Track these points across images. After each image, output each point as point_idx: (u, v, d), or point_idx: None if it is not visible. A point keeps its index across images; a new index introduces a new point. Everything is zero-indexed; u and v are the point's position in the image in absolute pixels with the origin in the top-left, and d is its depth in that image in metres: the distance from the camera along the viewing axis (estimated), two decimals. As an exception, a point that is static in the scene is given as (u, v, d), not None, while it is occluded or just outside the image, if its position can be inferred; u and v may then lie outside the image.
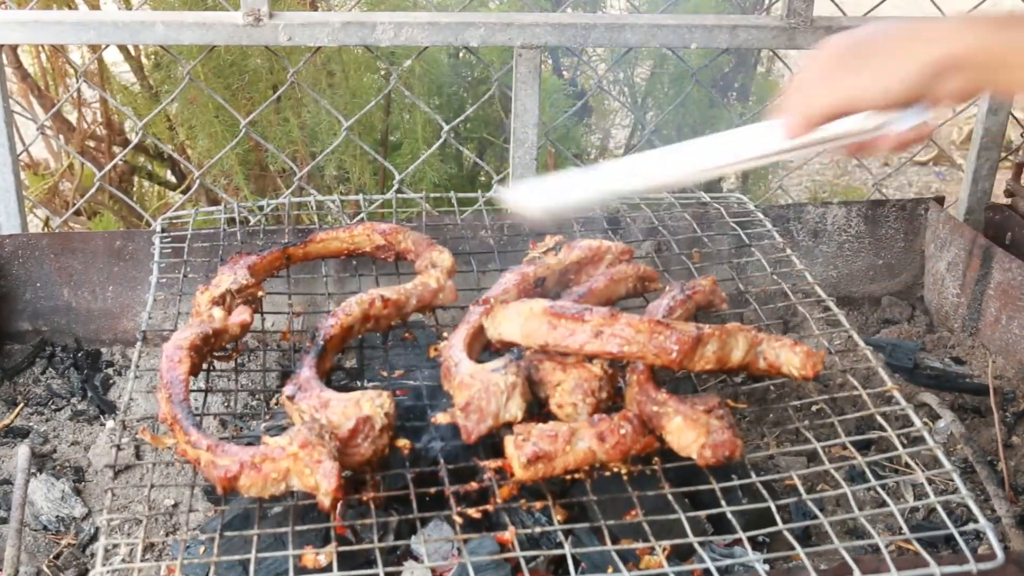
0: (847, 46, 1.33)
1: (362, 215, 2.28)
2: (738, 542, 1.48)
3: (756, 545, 1.58)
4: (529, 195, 1.53)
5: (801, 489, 1.51)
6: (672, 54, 2.74)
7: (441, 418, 1.53)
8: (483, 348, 1.73)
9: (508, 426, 1.52)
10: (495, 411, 1.52)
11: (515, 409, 1.52)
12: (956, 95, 1.28)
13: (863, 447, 1.90)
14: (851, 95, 1.31)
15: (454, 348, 1.63)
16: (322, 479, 1.37)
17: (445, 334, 1.72)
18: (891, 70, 1.28)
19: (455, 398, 1.56)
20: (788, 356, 1.59)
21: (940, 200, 2.50)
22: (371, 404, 1.48)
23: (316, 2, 2.87)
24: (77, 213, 2.99)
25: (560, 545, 1.49)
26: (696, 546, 1.40)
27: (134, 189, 3.34)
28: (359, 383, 1.78)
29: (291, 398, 1.54)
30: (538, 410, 1.63)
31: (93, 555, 1.69)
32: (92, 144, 3.20)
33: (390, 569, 1.36)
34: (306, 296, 2.06)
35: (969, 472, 1.84)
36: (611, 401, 1.59)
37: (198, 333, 1.61)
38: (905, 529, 1.45)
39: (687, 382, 1.85)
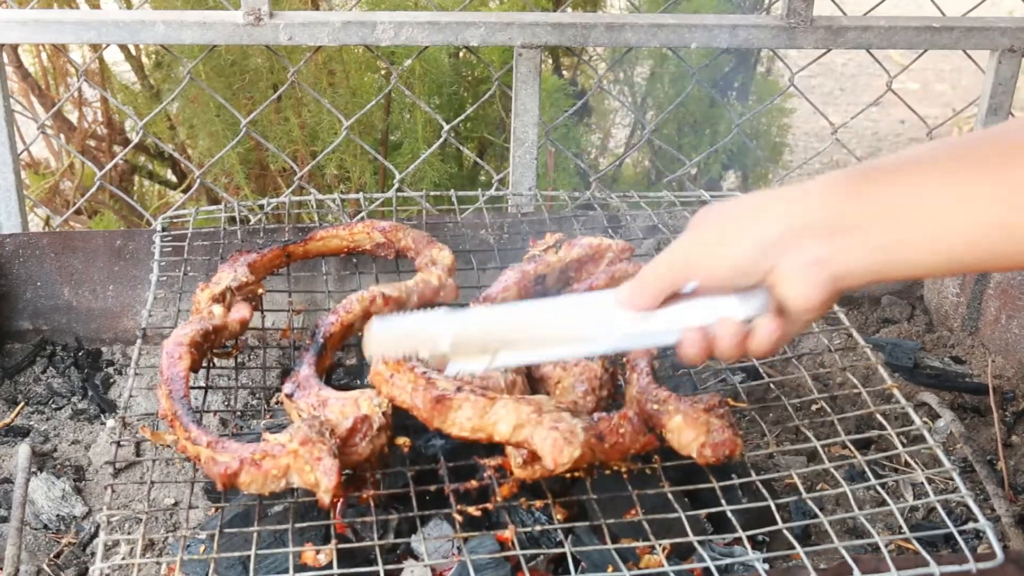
0: (704, 218, 1.18)
1: (362, 214, 2.28)
2: (738, 541, 1.48)
3: (756, 544, 1.58)
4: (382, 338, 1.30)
5: (801, 488, 1.51)
6: (672, 54, 2.74)
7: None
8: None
9: None
10: None
11: None
12: (803, 278, 1.07)
13: (863, 446, 1.91)
14: (688, 265, 1.15)
15: None
16: (322, 476, 1.37)
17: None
18: (729, 241, 1.12)
19: None
20: (541, 440, 1.38)
21: (940, 200, 2.49)
22: (369, 403, 1.48)
23: (318, 1, 2.87)
24: (78, 212, 2.99)
25: (560, 544, 1.49)
26: (696, 545, 1.40)
27: (135, 188, 3.34)
28: (359, 381, 1.78)
29: (290, 396, 1.55)
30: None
31: (93, 554, 1.69)
32: (93, 143, 3.21)
33: (390, 567, 1.36)
34: (306, 294, 2.06)
35: (969, 471, 1.84)
36: (611, 399, 1.59)
37: (198, 329, 1.61)
38: (905, 528, 1.45)
39: (687, 381, 1.85)
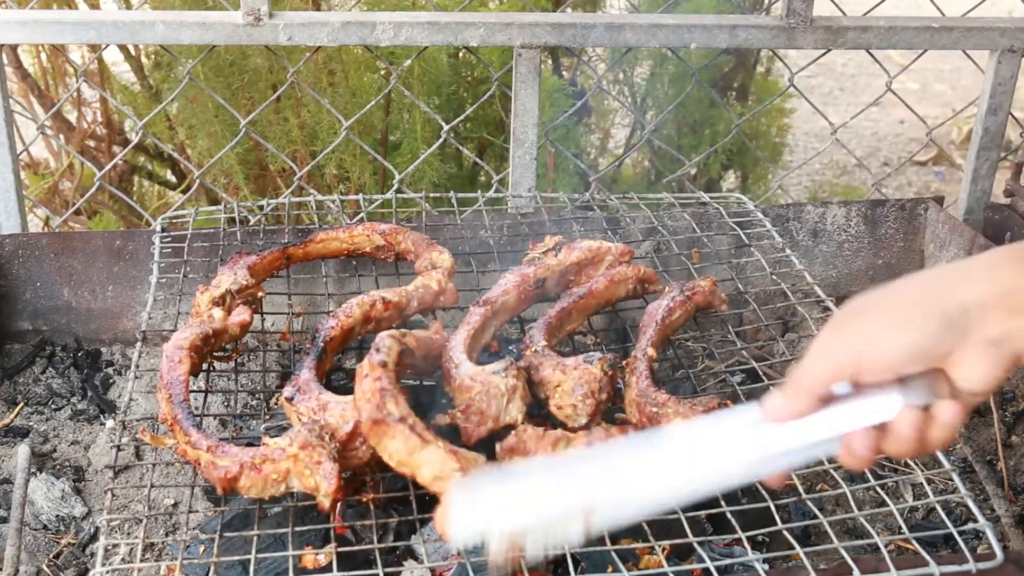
0: (858, 306, 1.06)
1: (362, 215, 2.28)
2: (737, 542, 1.48)
3: (755, 545, 1.58)
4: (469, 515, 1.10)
5: (800, 489, 1.52)
6: (672, 54, 2.74)
7: (441, 420, 1.52)
8: (483, 349, 1.73)
9: (509, 428, 1.52)
10: (495, 414, 1.52)
11: (515, 412, 1.52)
12: (985, 357, 1.00)
13: (862, 447, 1.90)
14: (849, 352, 1.03)
15: (454, 350, 1.63)
16: (322, 480, 1.37)
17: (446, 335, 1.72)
18: (904, 320, 1.01)
19: (455, 400, 1.56)
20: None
21: (940, 200, 2.50)
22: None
23: (319, 1, 2.87)
24: (77, 213, 2.99)
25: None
26: (696, 546, 1.41)
27: (134, 189, 3.34)
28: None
29: (290, 400, 1.55)
30: (538, 411, 1.63)
31: (93, 554, 1.69)
32: (92, 144, 3.21)
33: (390, 569, 1.37)
34: (306, 296, 2.06)
35: (968, 472, 1.84)
36: (611, 402, 1.59)
37: (198, 333, 1.61)
38: (904, 529, 1.45)
39: (687, 383, 1.85)
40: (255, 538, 1.41)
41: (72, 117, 3.21)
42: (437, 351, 1.63)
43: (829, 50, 2.49)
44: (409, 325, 1.84)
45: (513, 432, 1.47)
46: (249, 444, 1.48)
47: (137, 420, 1.90)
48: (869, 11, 2.60)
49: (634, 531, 1.49)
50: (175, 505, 1.82)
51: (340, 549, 1.41)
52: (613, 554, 1.39)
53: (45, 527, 1.76)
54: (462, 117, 2.62)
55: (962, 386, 1.03)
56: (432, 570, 1.50)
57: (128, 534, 1.74)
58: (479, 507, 1.09)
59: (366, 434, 1.43)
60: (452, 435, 1.55)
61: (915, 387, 1.03)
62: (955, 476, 1.48)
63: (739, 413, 1.12)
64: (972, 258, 1.05)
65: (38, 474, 1.83)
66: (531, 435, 1.46)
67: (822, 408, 1.06)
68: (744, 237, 2.11)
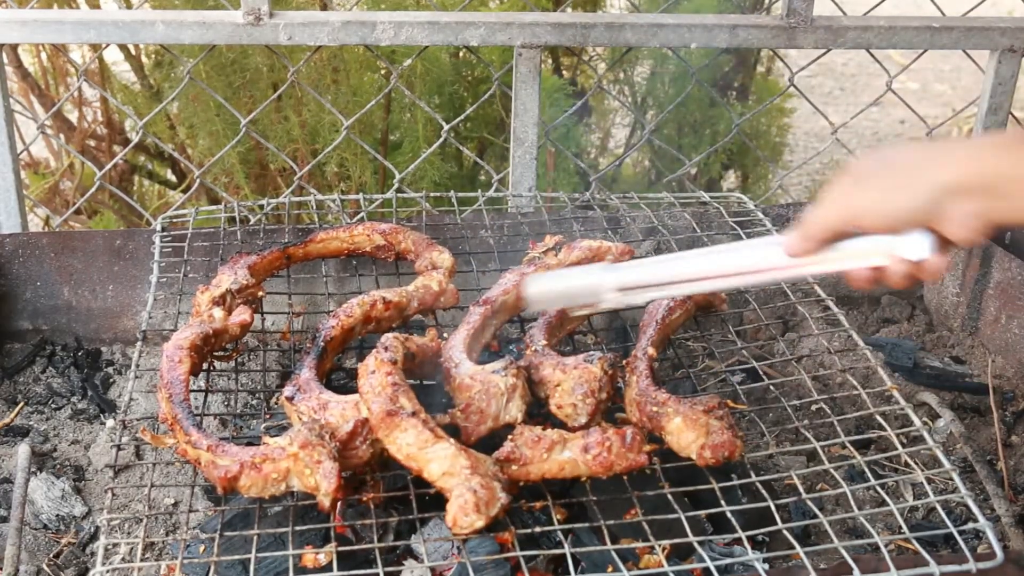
0: (865, 167, 1.28)
1: (362, 214, 2.28)
2: (738, 541, 1.48)
3: (756, 544, 1.58)
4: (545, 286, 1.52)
5: (800, 488, 1.52)
6: (672, 54, 2.74)
7: (441, 419, 1.53)
8: (483, 348, 1.73)
9: (509, 427, 1.52)
10: (495, 413, 1.52)
11: (515, 411, 1.52)
12: (966, 225, 1.21)
13: (862, 446, 1.91)
14: (854, 211, 1.27)
15: (454, 349, 1.63)
16: (322, 479, 1.37)
17: (445, 334, 1.73)
18: (899, 188, 1.23)
19: (455, 399, 1.56)
20: (456, 496, 1.38)
21: (940, 200, 2.49)
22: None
23: (325, 0, 2.87)
24: (77, 212, 2.99)
25: (560, 544, 1.49)
26: (696, 545, 1.41)
27: (134, 188, 3.34)
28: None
29: (290, 399, 1.55)
30: (538, 411, 1.63)
31: (93, 554, 1.69)
32: (92, 143, 3.21)
33: (390, 569, 1.37)
34: (306, 296, 2.06)
35: (968, 471, 1.84)
36: (611, 402, 1.59)
37: (198, 333, 1.61)
38: (904, 528, 1.45)
39: (687, 382, 1.85)
40: (255, 537, 1.41)
41: (72, 117, 3.21)
42: (433, 358, 1.63)
43: (829, 50, 2.49)
44: (409, 325, 1.84)
45: (509, 437, 1.47)
46: (249, 443, 1.48)
47: (137, 419, 1.90)
48: (869, 11, 2.60)
49: (634, 530, 1.49)
50: (175, 504, 1.82)
51: (340, 548, 1.41)
52: (613, 554, 1.39)
53: (45, 526, 1.76)
54: (462, 117, 2.62)
55: (949, 239, 1.25)
56: (432, 569, 1.50)
57: (128, 533, 1.74)
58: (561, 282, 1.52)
59: (376, 427, 1.43)
60: (452, 435, 1.55)
61: (914, 240, 1.26)
62: (955, 476, 1.48)
63: (759, 243, 1.40)
64: (963, 142, 1.26)
65: (38, 473, 1.83)
66: (527, 439, 1.46)
67: (831, 246, 1.30)
68: (744, 237, 2.11)
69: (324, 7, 2.82)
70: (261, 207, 2.19)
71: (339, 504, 1.45)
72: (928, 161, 1.23)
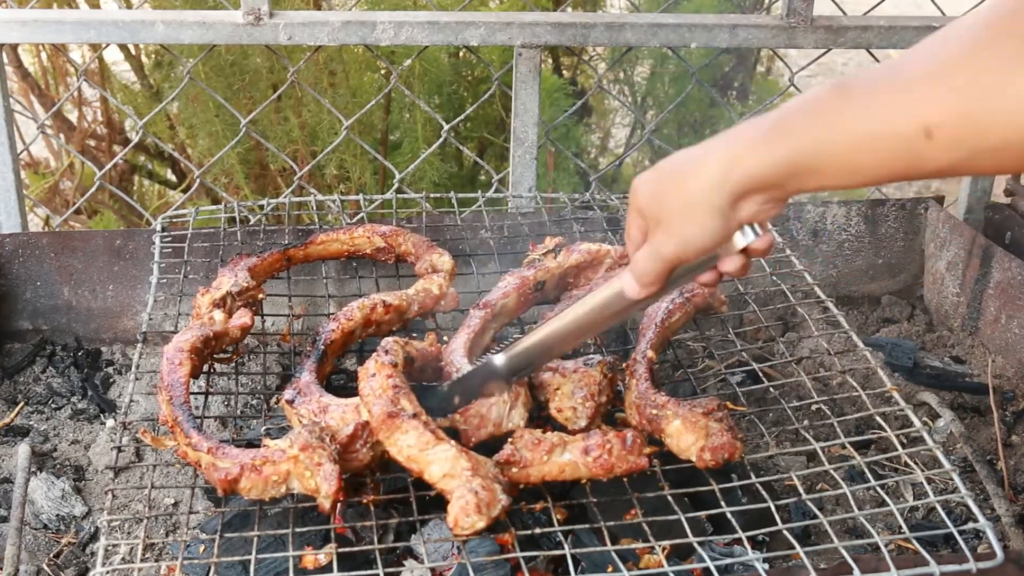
0: (643, 206, 1.27)
1: (362, 214, 2.28)
2: (738, 541, 1.48)
3: (756, 544, 1.58)
4: None
5: (800, 489, 1.52)
6: (672, 53, 2.74)
7: (441, 422, 1.53)
8: (483, 352, 1.73)
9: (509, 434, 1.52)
10: (497, 419, 1.52)
11: (517, 418, 1.53)
12: (764, 213, 1.20)
13: (862, 447, 1.91)
14: (674, 256, 1.25)
15: (454, 353, 1.63)
16: (322, 482, 1.37)
17: (446, 337, 1.73)
18: (691, 227, 1.21)
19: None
20: (457, 497, 1.38)
21: (940, 199, 2.50)
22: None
23: (319, 1, 2.87)
24: (77, 212, 2.99)
25: (560, 545, 1.49)
26: (696, 546, 1.41)
27: (134, 188, 3.34)
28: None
29: (290, 402, 1.55)
30: (538, 414, 1.63)
31: (93, 554, 1.69)
32: (92, 143, 3.21)
33: (390, 569, 1.37)
34: (306, 298, 2.06)
35: (968, 471, 1.84)
36: (611, 404, 1.59)
37: (198, 336, 1.61)
38: (905, 528, 1.45)
39: (687, 384, 1.85)
40: (255, 538, 1.41)
41: (72, 116, 3.21)
42: (433, 362, 1.64)
43: (829, 50, 2.49)
44: (409, 328, 1.84)
45: (509, 440, 1.47)
46: (249, 445, 1.48)
47: (137, 421, 1.90)
48: (869, 11, 2.60)
49: (634, 531, 1.49)
50: (175, 505, 1.82)
51: (340, 549, 1.41)
52: (613, 554, 1.39)
53: (45, 526, 1.76)
54: (462, 117, 2.62)
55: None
56: (432, 570, 1.50)
57: (128, 534, 1.74)
58: None
59: (376, 428, 1.43)
60: (452, 435, 1.55)
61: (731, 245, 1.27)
62: (955, 476, 1.48)
63: (607, 288, 1.41)
64: (716, 142, 1.21)
65: (38, 473, 1.83)
66: (528, 441, 1.46)
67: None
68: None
69: (318, 7, 2.82)
70: (261, 207, 2.19)
71: (339, 505, 1.45)
72: (704, 183, 1.19)
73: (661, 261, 1.27)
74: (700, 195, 1.19)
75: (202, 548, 1.58)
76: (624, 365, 1.66)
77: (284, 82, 2.50)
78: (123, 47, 3.00)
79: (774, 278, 1.98)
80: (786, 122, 1.14)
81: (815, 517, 1.48)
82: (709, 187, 1.18)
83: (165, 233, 2.07)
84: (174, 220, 2.17)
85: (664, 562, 1.36)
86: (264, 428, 1.67)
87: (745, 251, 1.27)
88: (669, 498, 1.47)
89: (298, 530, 1.43)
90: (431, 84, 2.83)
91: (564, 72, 3.29)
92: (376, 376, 1.47)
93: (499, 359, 1.51)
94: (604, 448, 1.44)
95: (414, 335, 1.69)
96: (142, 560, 1.39)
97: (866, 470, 1.55)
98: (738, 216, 1.20)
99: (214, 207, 2.25)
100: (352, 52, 2.79)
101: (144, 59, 3.06)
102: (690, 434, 1.49)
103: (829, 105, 1.11)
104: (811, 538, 1.68)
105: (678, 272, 1.30)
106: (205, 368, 1.66)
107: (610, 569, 1.44)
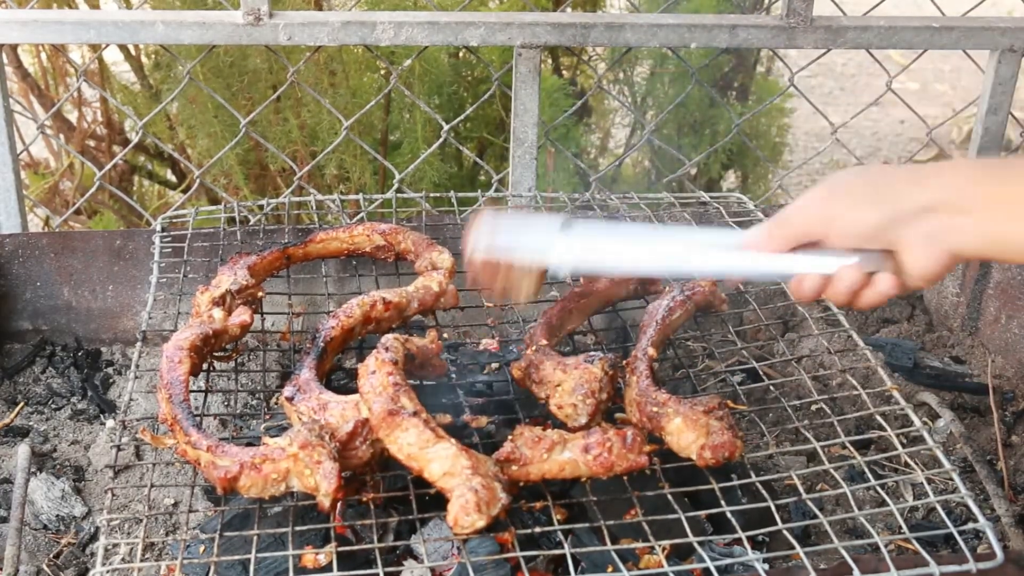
0: (841, 180, 1.32)
1: (362, 214, 2.28)
2: (738, 541, 1.48)
3: (756, 544, 1.58)
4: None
5: (800, 489, 1.52)
6: (672, 54, 2.74)
7: (442, 419, 1.52)
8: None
9: (509, 430, 1.52)
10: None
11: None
12: (925, 249, 1.24)
13: (862, 447, 1.91)
14: (823, 219, 1.30)
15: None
16: (322, 480, 1.37)
17: (445, 335, 1.72)
18: (869, 203, 1.27)
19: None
20: (457, 496, 1.37)
21: (940, 200, 2.49)
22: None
23: (320, 1, 2.87)
24: (77, 212, 2.99)
25: (560, 545, 1.49)
26: (696, 545, 1.41)
27: (134, 188, 3.34)
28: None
29: (290, 400, 1.55)
30: (538, 411, 1.63)
31: (93, 554, 1.69)
32: (92, 143, 3.21)
33: (390, 569, 1.37)
34: (306, 296, 2.06)
35: (968, 471, 1.84)
36: (611, 402, 1.59)
37: (198, 334, 1.61)
38: (904, 528, 1.45)
39: (687, 383, 1.85)
40: (255, 538, 1.41)
41: (72, 117, 3.21)
42: (432, 360, 1.64)
43: (829, 50, 2.49)
44: (409, 326, 1.84)
45: (509, 438, 1.48)
46: (249, 444, 1.48)
47: (137, 420, 1.90)
48: (869, 11, 2.60)
49: (634, 531, 1.49)
50: (175, 505, 1.82)
51: (340, 549, 1.41)
52: (613, 554, 1.39)
53: (45, 527, 1.76)
54: (462, 117, 2.62)
55: (906, 268, 1.28)
56: (432, 570, 1.50)
57: (128, 534, 1.74)
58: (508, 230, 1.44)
59: (377, 426, 1.43)
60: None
61: (868, 256, 1.29)
62: (955, 476, 1.48)
63: (723, 235, 1.41)
64: (928, 166, 1.27)
65: (38, 474, 1.83)
66: (528, 439, 1.46)
67: (789, 251, 1.33)
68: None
69: (319, 7, 2.82)
70: (261, 207, 2.19)
71: (339, 504, 1.45)
72: (899, 181, 1.26)
73: (811, 217, 1.31)
74: (905, 187, 1.26)
75: (202, 548, 1.58)
76: (625, 362, 1.66)
77: (284, 82, 2.50)
78: (123, 47, 3.00)
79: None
80: (992, 162, 1.26)
81: (815, 517, 1.48)
82: (916, 187, 1.25)
83: (165, 233, 2.07)
84: (174, 220, 2.17)
85: (664, 562, 1.36)
86: (264, 426, 1.67)
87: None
88: (669, 497, 1.47)
89: (298, 529, 1.43)
90: (431, 84, 2.83)
91: (564, 72, 3.29)
92: (376, 373, 1.47)
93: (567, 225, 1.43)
94: (604, 446, 1.44)
95: (414, 333, 1.69)
96: (142, 560, 1.39)
97: (866, 470, 1.55)
98: (910, 227, 1.25)
99: (214, 207, 2.25)
100: (352, 52, 2.79)
101: (144, 59, 3.06)
102: (691, 432, 1.49)
103: None
104: (811, 538, 1.68)
105: (794, 262, 1.32)
106: (205, 366, 1.65)
107: (610, 569, 1.44)
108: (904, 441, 1.79)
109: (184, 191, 3.02)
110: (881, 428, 1.61)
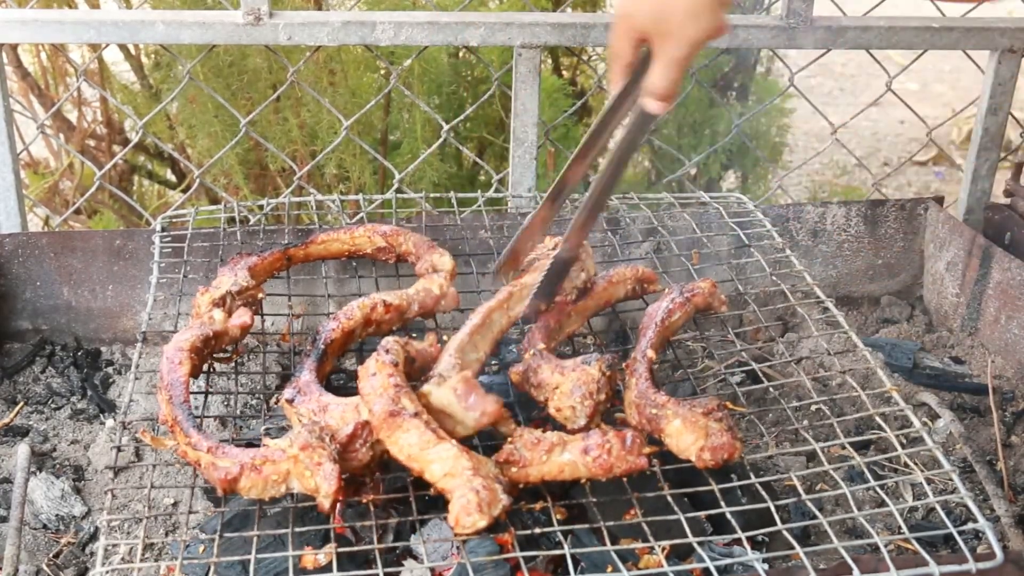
0: (643, 25, 1.55)
1: (362, 215, 2.28)
2: (737, 542, 1.48)
3: (755, 545, 1.58)
4: None
5: (800, 489, 1.52)
6: (672, 54, 2.73)
7: None
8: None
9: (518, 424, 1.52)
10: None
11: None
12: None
13: (862, 447, 1.91)
14: (686, 57, 1.54)
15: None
16: (322, 481, 1.37)
17: (445, 337, 1.72)
18: (696, 29, 1.51)
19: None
20: (458, 496, 1.38)
21: (939, 200, 2.50)
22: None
23: (320, 0, 2.87)
24: (77, 212, 2.99)
25: (559, 545, 1.49)
26: (695, 546, 1.41)
27: (134, 188, 3.34)
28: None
29: (290, 402, 1.55)
30: (537, 413, 1.63)
31: (93, 554, 1.69)
32: (92, 143, 3.21)
33: (390, 569, 1.37)
34: (306, 297, 2.06)
35: (968, 472, 1.84)
36: (610, 404, 1.59)
37: (198, 335, 1.61)
38: (904, 529, 1.45)
39: (687, 384, 1.85)
40: (255, 538, 1.41)
41: (72, 116, 3.21)
42: (432, 363, 1.64)
43: (829, 50, 2.49)
44: (408, 328, 1.84)
45: (509, 440, 1.48)
46: (249, 445, 1.48)
47: (137, 420, 1.90)
48: (869, 11, 2.60)
49: (634, 531, 1.49)
50: (175, 505, 1.82)
51: (340, 549, 1.41)
52: (613, 554, 1.39)
53: (45, 526, 1.76)
54: (462, 117, 2.62)
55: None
56: (432, 570, 1.50)
57: (128, 534, 1.74)
58: None
59: (377, 427, 1.43)
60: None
61: None
62: (955, 476, 1.48)
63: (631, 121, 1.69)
64: None
65: (38, 473, 1.83)
66: (527, 441, 1.46)
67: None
68: (744, 237, 2.11)
69: (319, 7, 2.82)
70: (261, 207, 2.19)
71: (339, 505, 1.45)
72: None
73: (677, 66, 1.52)
74: (702, 4, 1.47)
75: (202, 548, 1.58)
76: (624, 364, 1.66)
77: (283, 82, 2.50)
78: (123, 47, 3.00)
79: (774, 278, 1.98)
80: None
81: (815, 517, 1.49)
82: None
83: (165, 233, 2.07)
84: (174, 220, 2.17)
85: (664, 562, 1.36)
86: (264, 428, 1.67)
87: None
88: (669, 498, 1.47)
89: (298, 530, 1.43)
90: (431, 84, 2.83)
91: (564, 72, 3.29)
92: (377, 375, 1.48)
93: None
94: (604, 448, 1.44)
95: (414, 335, 1.69)
96: (142, 560, 1.39)
97: (866, 470, 1.55)
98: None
99: (214, 207, 2.25)
100: (352, 52, 2.79)
101: (144, 59, 3.06)
102: (690, 434, 1.49)
103: None
104: (811, 538, 1.68)
105: None
106: (205, 367, 1.65)
107: (610, 569, 1.44)
108: (904, 441, 1.80)
109: (184, 191, 3.02)
110: (881, 429, 1.61)
